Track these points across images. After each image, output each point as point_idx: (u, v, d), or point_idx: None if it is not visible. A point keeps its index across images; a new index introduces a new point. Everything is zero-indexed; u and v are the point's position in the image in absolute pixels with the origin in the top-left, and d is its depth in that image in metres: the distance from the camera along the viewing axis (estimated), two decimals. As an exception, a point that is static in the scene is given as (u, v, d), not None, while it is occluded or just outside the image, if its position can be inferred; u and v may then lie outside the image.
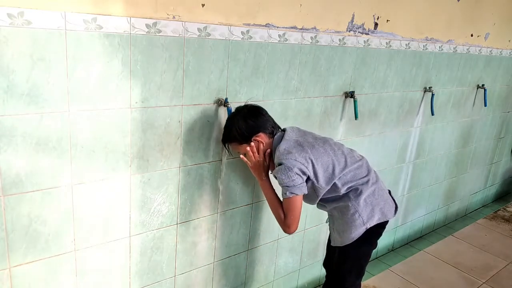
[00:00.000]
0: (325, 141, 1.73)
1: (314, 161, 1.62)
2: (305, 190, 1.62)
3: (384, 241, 3.08)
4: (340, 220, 1.75)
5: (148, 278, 1.79)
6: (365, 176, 1.72)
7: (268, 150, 1.71)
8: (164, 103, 1.57)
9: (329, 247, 2.00)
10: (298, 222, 1.66)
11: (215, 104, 1.72)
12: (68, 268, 1.53)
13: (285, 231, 1.69)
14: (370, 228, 1.71)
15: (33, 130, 1.31)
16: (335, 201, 1.73)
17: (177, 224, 1.80)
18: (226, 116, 1.72)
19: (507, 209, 3.97)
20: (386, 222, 1.78)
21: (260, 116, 1.69)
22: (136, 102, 1.50)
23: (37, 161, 1.35)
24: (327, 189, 1.67)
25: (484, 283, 2.75)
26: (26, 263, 1.43)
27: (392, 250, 3.21)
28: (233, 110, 1.71)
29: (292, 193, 1.59)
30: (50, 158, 1.37)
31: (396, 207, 1.81)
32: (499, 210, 3.95)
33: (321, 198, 1.73)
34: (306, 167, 1.60)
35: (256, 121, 1.67)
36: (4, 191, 1.32)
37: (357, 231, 1.70)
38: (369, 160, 1.81)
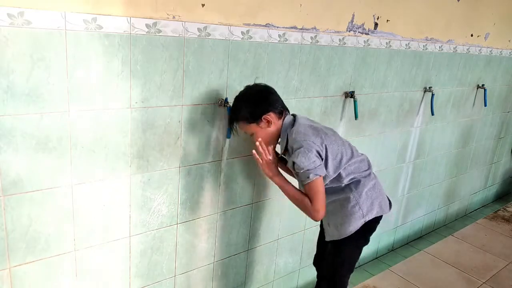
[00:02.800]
0: (334, 131, 1.75)
1: (327, 146, 1.61)
2: (325, 171, 1.59)
3: (384, 241, 3.08)
4: (339, 213, 1.76)
5: (148, 278, 1.79)
6: (367, 169, 1.76)
7: (271, 147, 1.67)
8: (164, 103, 1.57)
9: (320, 243, 2.03)
10: (325, 205, 1.62)
11: (215, 104, 1.72)
12: (68, 268, 1.53)
13: (315, 218, 1.61)
14: (367, 222, 1.73)
15: (33, 130, 1.31)
16: (335, 193, 1.74)
17: (177, 224, 1.80)
18: (226, 116, 1.72)
19: (507, 209, 3.97)
20: (381, 216, 1.81)
21: (271, 94, 1.66)
22: (136, 102, 1.50)
23: (37, 161, 1.35)
24: (332, 178, 1.68)
25: (484, 283, 2.75)
26: (26, 263, 1.43)
27: (392, 250, 3.21)
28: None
29: (316, 174, 1.54)
30: (50, 158, 1.37)
31: (391, 203, 1.85)
32: (499, 210, 3.95)
33: None
34: (321, 151, 1.59)
35: (267, 99, 1.64)
36: (4, 191, 1.32)
37: (356, 224, 1.72)
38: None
